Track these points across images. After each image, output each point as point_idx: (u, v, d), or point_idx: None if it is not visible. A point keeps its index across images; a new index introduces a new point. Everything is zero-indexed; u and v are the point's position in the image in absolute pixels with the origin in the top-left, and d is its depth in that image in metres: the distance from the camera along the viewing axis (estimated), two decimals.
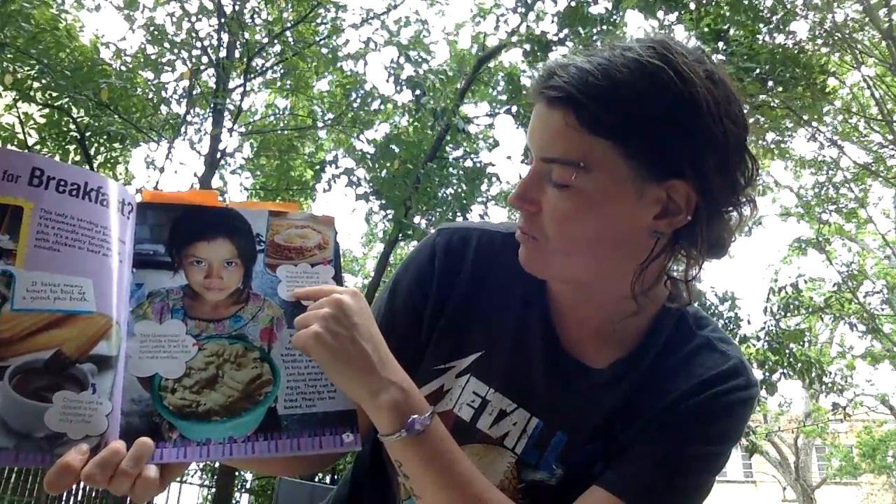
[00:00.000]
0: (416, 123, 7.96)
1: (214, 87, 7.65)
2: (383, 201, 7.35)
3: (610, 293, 0.89)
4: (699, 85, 0.78)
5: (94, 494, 8.13)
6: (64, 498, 7.80)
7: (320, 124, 8.95)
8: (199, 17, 7.56)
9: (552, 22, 7.62)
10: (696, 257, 0.86)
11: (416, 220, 7.32)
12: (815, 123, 9.53)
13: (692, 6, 7.35)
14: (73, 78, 6.40)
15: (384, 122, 8.28)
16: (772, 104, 7.75)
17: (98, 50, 7.23)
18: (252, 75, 7.94)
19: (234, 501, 9.41)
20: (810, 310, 10.77)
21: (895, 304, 13.19)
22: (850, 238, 14.28)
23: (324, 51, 8.19)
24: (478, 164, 7.82)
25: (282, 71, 8.30)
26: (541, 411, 0.92)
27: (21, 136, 6.78)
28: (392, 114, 8.30)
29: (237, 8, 7.60)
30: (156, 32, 7.33)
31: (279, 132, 8.80)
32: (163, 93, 7.68)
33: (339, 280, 0.86)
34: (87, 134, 7.00)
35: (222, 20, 7.51)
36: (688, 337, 0.93)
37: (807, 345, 10.55)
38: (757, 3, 7.38)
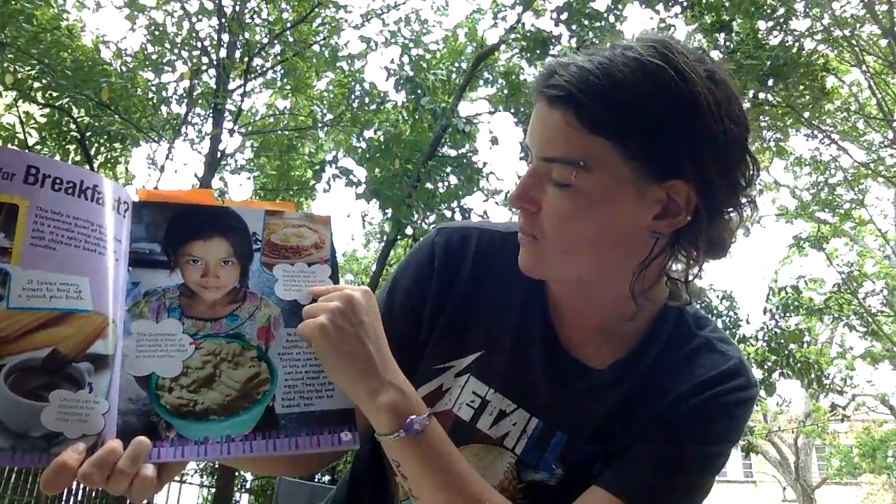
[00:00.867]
0: (414, 122, 7.95)
1: (215, 87, 7.65)
2: (383, 200, 7.35)
3: (609, 293, 0.89)
4: (700, 85, 0.78)
5: (94, 494, 8.14)
6: (64, 497, 7.81)
7: (320, 124, 8.94)
8: (200, 17, 7.56)
9: (551, 18, 7.62)
10: (696, 257, 0.86)
11: (416, 218, 7.31)
12: (815, 122, 9.53)
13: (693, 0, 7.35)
14: (73, 78, 6.40)
15: (384, 121, 8.27)
16: (773, 103, 7.75)
17: (99, 50, 7.24)
18: (252, 75, 7.94)
19: (234, 501, 9.41)
20: (810, 310, 10.77)
21: (895, 304, 13.19)
22: (851, 238, 14.28)
23: (324, 51, 8.20)
24: (470, 158, 7.80)
25: (282, 71, 8.30)
26: (540, 411, 0.92)
27: (21, 136, 6.77)
28: (391, 114, 8.30)
29: (237, 8, 7.60)
30: (156, 32, 7.33)
31: (279, 133, 8.80)
32: (163, 93, 7.68)
33: (335, 279, 0.86)
34: (88, 134, 7.00)
35: (223, 20, 7.51)
36: (688, 337, 0.93)
37: (806, 345, 10.56)
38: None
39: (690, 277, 0.88)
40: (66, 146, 7.19)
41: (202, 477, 11.04)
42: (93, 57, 6.95)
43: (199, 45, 7.62)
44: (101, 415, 0.69)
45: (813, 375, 9.09)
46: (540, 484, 0.91)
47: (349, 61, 8.33)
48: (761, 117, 8.02)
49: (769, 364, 8.84)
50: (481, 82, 8.94)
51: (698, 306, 0.98)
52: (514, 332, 0.93)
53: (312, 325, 0.77)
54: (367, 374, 0.77)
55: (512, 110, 7.98)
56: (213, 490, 9.17)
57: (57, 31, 6.71)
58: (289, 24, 7.91)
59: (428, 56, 8.42)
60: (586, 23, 7.15)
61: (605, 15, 7.34)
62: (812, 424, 17.36)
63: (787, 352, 8.95)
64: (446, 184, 7.70)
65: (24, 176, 0.70)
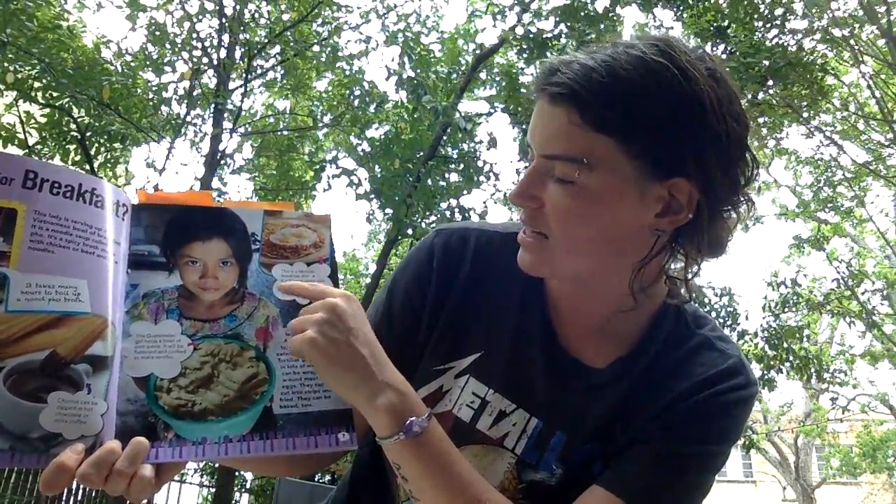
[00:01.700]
0: (414, 122, 7.95)
1: (215, 87, 7.65)
2: (383, 200, 7.35)
3: (609, 291, 0.89)
4: (702, 83, 0.78)
5: (94, 494, 8.13)
6: (63, 497, 7.81)
7: (320, 124, 8.94)
8: (200, 17, 7.56)
9: (547, 19, 7.63)
10: (696, 255, 0.86)
11: (416, 218, 7.31)
12: (814, 122, 9.53)
13: (690, 1, 7.35)
14: (74, 77, 6.40)
15: (384, 121, 8.27)
16: (772, 102, 7.75)
17: (99, 50, 7.23)
18: (252, 76, 7.94)
19: (234, 501, 9.41)
20: (809, 304, 10.77)
21: (895, 303, 13.19)
22: (851, 238, 14.28)
23: (324, 51, 8.20)
24: (471, 157, 7.80)
25: (282, 71, 8.29)
26: (540, 411, 0.92)
27: (22, 136, 6.77)
28: (391, 114, 8.30)
29: (237, 8, 7.60)
30: (157, 32, 7.33)
31: (279, 133, 8.80)
32: (163, 93, 7.68)
33: (335, 278, 0.86)
34: (88, 134, 6.99)
35: (223, 20, 7.51)
36: (687, 335, 0.93)
37: (805, 342, 10.56)
38: (756, 0, 7.40)
39: (689, 276, 0.88)
40: (67, 146, 7.17)
41: (202, 477, 11.04)
42: (93, 57, 6.95)
43: (199, 45, 7.61)
44: (99, 416, 0.69)
45: (812, 370, 9.09)
46: (540, 484, 0.91)
47: (349, 61, 8.33)
48: (761, 116, 8.03)
49: (767, 360, 8.84)
50: (480, 83, 8.94)
51: (696, 304, 0.98)
52: (514, 332, 0.93)
53: (302, 340, 0.76)
54: (364, 379, 0.77)
55: (510, 108, 7.98)
56: (212, 490, 9.17)
57: (58, 31, 6.71)
58: (289, 24, 7.90)
59: (427, 55, 8.41)
60: (583, 26, 7.14)
61: (602, 18, 7.34)
62: (812, 424, 17.36)
63: (786, 346, 8.95)
64: (447, 183, 7.70)
65: (23, 180, 0.71)
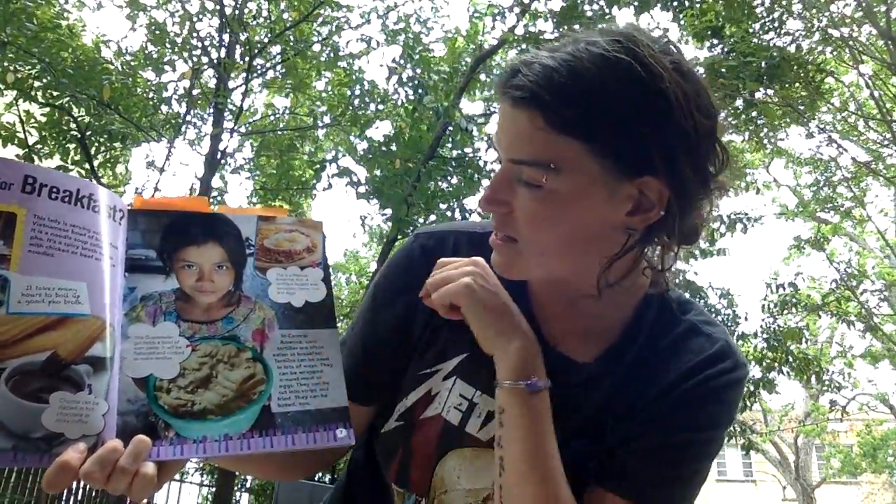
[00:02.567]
0: (414, 122, 7.96)
1: (215, 87, 7.66)
2: (384, 200, 7.36)
3: (587, 288, 0.88)
4: (667, 79, 0.76)
5: (93, 494, 8.14)
6: (64, 498, 7.82)
7: (320, 124, 8.95)
8: (200, 16, 7.57)
9: (546, 21, 7.64)
10: (670, 246, 0.86)
11: (416, 218, 7.32)
12: (813, 122, 9.54)
13: (686, 3, 7.36)
14: (74, 77, 6.41)
15: (385, 119, 8.28)
16: (771, 102, 7.76)
17: (99, 49, 7.24)
18: (253, 75, 7.95)
19: (234, 501, 9.42)
20: (808, 307, 10.77)
21: (894, 303, 13.19)
22: (850, 237, 14.29)
23: (325, 51, 8.20)
24: (472, 158, 7.81)
25: (282, 71, 8.30)
26: None
27: (21, 135, 6.78)
28: (391, 114, 8.31)
29: (238, 7, 7.61)
30: (157, 32, 7.34)
31: (279, 132, 8.81)
32: (163, 92, 7.69)
33: (327, 282, 0.88)
34: (88, 133, 7.00)
35: (223, 20, 7.52)
36: (673, 322, 0.93)
37: (805, 343, 10.56)
38: (752, 1, 7.41)
39: (667, 265, 0.87)
40: (66, 145, 7.18)
41: (202, 476, 11.05)
42: (93, 56, 6.96)
43: (199, 44, 7.62)
44: (100, 415, 0.71)
45: (812, 372, 9.10)
46: None
47: (349, 61, 8.34)
48: (759, 116, 8.04)
49: (767, 361, 8.85)
50: (480, 84, 8.94)
51: (681, 291, 0.98)
52: None
53: (458, 287, 0.86)
54: (507, 325, 0.87)
55: None
56: (212, 490, 9.18)
57: (58, 31, 6.71)
58: (290, 24, 7.91)
59: (428, 55, 8.42)
60: (582, 28, 7.15)
61: (600, 20, 7.35)
62: (812, 424, 17.36)
63: (785, 348, 8.96)
64: (447, 183, 7.71)
65: (22, 185, 0.72)
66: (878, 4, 8.59)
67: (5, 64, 6.30)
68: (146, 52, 7.54)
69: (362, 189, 7.50)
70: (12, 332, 0.68)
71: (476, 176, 7.56)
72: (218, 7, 7.52)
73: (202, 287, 0.82)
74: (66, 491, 7.62)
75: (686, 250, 0.90)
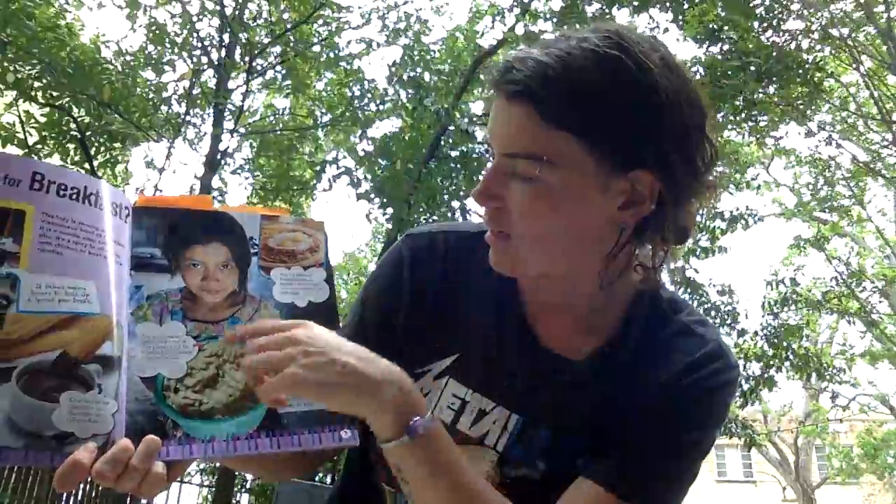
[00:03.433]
0: (414, 122, 7.96)
1: (215, 87, 7.65)
2: (385, 199, 7.36)
3: (580, 285, 0.89)
4: (657, 73, 0.78)
5: (94, 494, 8.14)
6: (64, 498, 7.81)
7: (320, 124, 8.95)
8: (201, 17, 7.57)
9: (546, 20, 7.65)
10: (662, 243, 0.86)
11: (417, 218, 7.32)
12: (813, 122, 9.55)
13: (686, 3, 7.37)
14: (74, 77, 6.41)
15: (385, 119, 8.28)
16: (770, 101, 7.77)
17: (99, 49, 7.23)
18: (253, 76, 7.94)
19: (234, 501, 9.41)
20: (809, 303, 10.79)
21: (895, 302, 13.21)
22: (850, 237, 14.30)
23: (325, 52, 8.20)
24: (472, 158, 7.81)
25: (282, 71, 8.30)
26: (522, 408, 0.92)
27: (21, 136, 6.77)
28: (391, 112, 8.31)
29: (238, 7, 7.60)
30: (157, 32, 7.33)
31: (279, 133, 8.80)
32: (163, 92, 7.69)
33: (330, 282, 0.88)
34: (88, 133, 7.00)
35: (223, 20, 7.51)
36: (664, 322, 0.93)
37: (805, 341, 10.57)
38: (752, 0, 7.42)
39: (658, 263, 0.88)
40: (67, 146, 7.17)
41: (202, 477, 11.04)
42: (93, 56, 6.95)
43: (199, 45, 7.62)
44: (110, 414, 0.71)
45: (812, 369, 9.10)
46: (524, 479, 0.91)
47: (349, 62, 8.34)
48: (760, 115, 8.05)
49: (767, 359, 8.86)
50: (480, 84, 8.95)
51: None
52: (490, 330, 0.93)
53: (287, 381, 0.71)
54: (361, 384, 0.73)
55: None
56: (213, 490, 9.17)
57: (57, 30, 6.71)
58: (290, 26, 7.90)
59: (429, 56, 8.42)
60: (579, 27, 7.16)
61: (599, 20, 7.37)
62: (812, 424, 17.37)
63: (786, 345, 8.97)
64: (449, 183, 7.71)
65: (30, 182, 0.71)
66: (877, 4, 8.60)
67: (5, 64, 6.30)
68: (146, 52, 7.53)
69: (362, 189, 7.50)
70: (23, 331, 0.68)
71: (477, 175, 7.56)
72: (218, 7, 7.51)
73: (208, 286, 0.82)
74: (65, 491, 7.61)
75: (682, 248, 0.91)
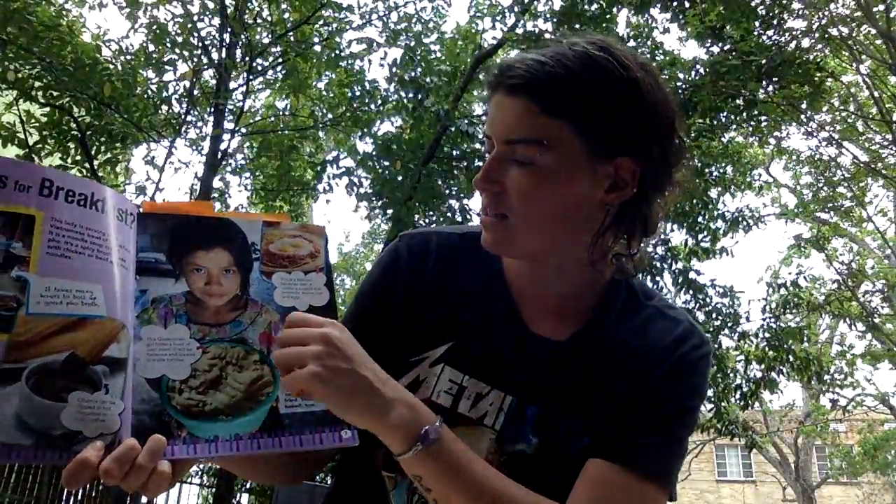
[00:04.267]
0: (414, 123, 7.97)
1: (215, 87, 7.65)
2: (385, 200, 7.38)
3: (564, 266, 0.98)
4: (638, 72, 0.90)
5: (94, 494, 8.15)
6: (64, 498, 7.83)
7: (320, 124, 8.95)
8: (201, 16, 7.57)
9: (546, 21, 7.66)
10: (636, 232, 0.96)
11: (416, 219, 7.34)
12: (813, 122, 9.55)
13: (686, 3, 7.38)
14: (74, 76, 6.41)
15: (386, 119, 8.29)
16: (770, 101, 7.78)
17: (100, 49, 7.23)
18: (254, 76, 7.95)
19: (234, 501, 9.42)
20: (810, 306, 10.79)
21: (895, 302, 13.21)
22: (850, 237, 14.30)
23: (326, 52, 8.20)
24: (473, 159, 7.82)
25: (283, 71, 8.30)
26: (513, 389, 0.98)
27: (22, 135, 6.77)
28: (391, 112, 8.31)
29: (238, 7, 7.60)
30: (157, 31, 7.33)
31: (280, 133, 8.81)
32: (164, 92, 7.69)
33: (330, 287, 0.90)
34: (88, 133, 6.99)
35: (224, 20, 7.51)
36: (639, 307, 1.03)
37: (806, 342, 10.57)
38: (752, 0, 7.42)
39: (633, 253, 0.97)
40: (67, 145, 7.17)
41: (202, 477, 11.05)
42: (94, 56, 6.95)
43: (200, 44, 7.62)
44: (117, 414, 0.73)
45: (813, 371, 9.12)
46: (520, 454, 0.97)
47: (349, 62, 8.34)
48: (761, 114, 8.06)
49: (768, 361, 8.88)
50: (479, 85, 8.96)
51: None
52: (481, 319, 1.00)
53: (305, 377, 0.74)
54: (374, 402, 0.79)
55: None
56: (213, 490, 9.18)
57: (58, 30, 6.70)
58: (290, 25, 7.91)
59: (430, 57, 8.43)
60: (582, 28, 7.18)
61: (600, 19, 7.38)
62: (812, 424, 17.38)
63: (786, 347, 8.98)
64: (450, 183, 7.73)
65: (39, 188, 0.73)
66: (877, 4, 8.61)
67: (6, 63, 6.30)
68: (147, 51, 7.53)
69: (363, 190, 7.51)
70: (32, 333, 0.70)
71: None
72: (219, 7, 7.52)
73: (211, 290, 0.84)
74: (65, 491, 7.63)
75: (651, 239, 1.00)
